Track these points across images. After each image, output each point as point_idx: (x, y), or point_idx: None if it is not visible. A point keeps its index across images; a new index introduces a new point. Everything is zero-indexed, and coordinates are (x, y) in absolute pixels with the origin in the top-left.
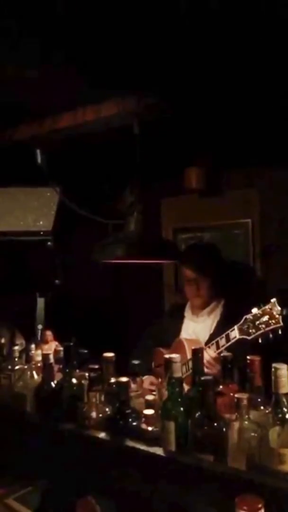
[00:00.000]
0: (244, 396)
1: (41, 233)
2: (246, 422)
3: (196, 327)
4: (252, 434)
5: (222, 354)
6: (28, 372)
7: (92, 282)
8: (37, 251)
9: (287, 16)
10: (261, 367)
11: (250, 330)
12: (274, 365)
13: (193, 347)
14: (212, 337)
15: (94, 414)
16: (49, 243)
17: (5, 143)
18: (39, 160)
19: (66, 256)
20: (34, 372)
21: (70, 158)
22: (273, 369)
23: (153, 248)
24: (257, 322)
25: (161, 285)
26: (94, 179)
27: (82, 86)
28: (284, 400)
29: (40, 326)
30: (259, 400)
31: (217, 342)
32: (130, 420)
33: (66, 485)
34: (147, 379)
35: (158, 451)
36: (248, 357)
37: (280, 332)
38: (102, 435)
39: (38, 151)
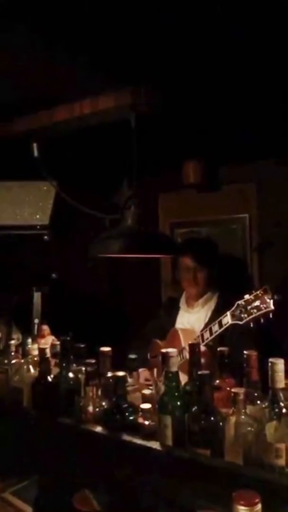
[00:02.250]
0: (241, 390)
1: (38, 227)
2: (242, 417)
3: (191, 318)
4: (249, 428)
5: (218, 349)
6: (25, 366)
7: (89, 276)
8: (34, 245)
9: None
10: (258, 362)
11: (242, 315)
12: (271, 359)
13: (190, 342)
14: (206, 327)
15: (90, 408)
16: (46, 237)
17: (1, 136)
18: (35, 153)
19: (63, 250)
20: (30, 366)
21: (67, 152)
22: (270, 364)
23: (151, 243)
24: (249, 307)
25: (158, 279)
26: (91, 173)
27: (79, 78)
28: (281, 394)
29: (36, 320)
30: (255, 394)
31: (210, 329)
32: (127, 414)
33: (63, 479)
34: (142, 373)
35: (155, 445)
36: (245, 352)
37: (271, 316)
38: (98, 429)
39: (34, 145)
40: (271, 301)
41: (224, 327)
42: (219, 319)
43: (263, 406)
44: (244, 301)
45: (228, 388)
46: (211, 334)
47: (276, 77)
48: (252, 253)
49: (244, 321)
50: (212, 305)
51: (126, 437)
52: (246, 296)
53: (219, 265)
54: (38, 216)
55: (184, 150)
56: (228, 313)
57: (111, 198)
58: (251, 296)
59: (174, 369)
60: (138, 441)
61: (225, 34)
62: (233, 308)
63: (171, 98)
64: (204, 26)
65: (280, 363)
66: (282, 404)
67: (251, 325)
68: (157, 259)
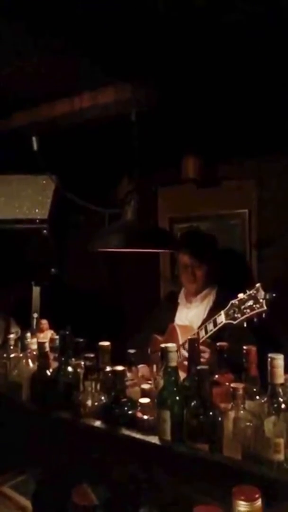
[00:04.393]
0: (239, 385)
1: (37, 221)
2: (241, 412)
3: (189, 314)
4: (248, 423)
5: (218, 344)
6: (24, 361)
7: (88, 271)
8: (33, 239)
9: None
10: (257, 357)
11: (236, 315)
12: (270, 355)
13: (189, 337)
14: (205, 323)
15: (89, 403)
16: (45, 231)
17: (1, 130)
18: (35, 147)
19: (62, 244)
20: (29, 361)
21: (66, 146)
22: (269, 359)
23: (150, 238)
24: (242, 307)
25: (157, 274)
26: (91, 167)
27: (79, 73)
28: (280, 390)
29: (35, 315)
30: (254, 390)
31: (206, 327)
32: (125, 408)
33: (62, 473)
34: (141, 370)
35: (153, 440)
36: (244, 347)
37: (264, 315)
38: (97, 423)
39: (34, 139)
40: (264, 301)
41: (218, 326)
42: (213, 318)
43: (262, 401)
44: (238, 301)
45: (227, 383)
46: (206, 332)
47: (276, 73)
48: (251, 249)
49: (238, 321)
50: (210, 301)
51: (125, 432)
52: (240, 295)
53: (219, 260)
54: (37, 210)
55: (184, 145)
56: (222, 312)
57: (111, 192)
58: (245, 296)
59: (173, 364)
60: (137, 435)
61: (225, 31)
62: (227, 307)
63: (171, 93)
64: (203, 23)
65: (279, 359)
66: (281, 400)
67: (245, 325)
68: (156, 254)
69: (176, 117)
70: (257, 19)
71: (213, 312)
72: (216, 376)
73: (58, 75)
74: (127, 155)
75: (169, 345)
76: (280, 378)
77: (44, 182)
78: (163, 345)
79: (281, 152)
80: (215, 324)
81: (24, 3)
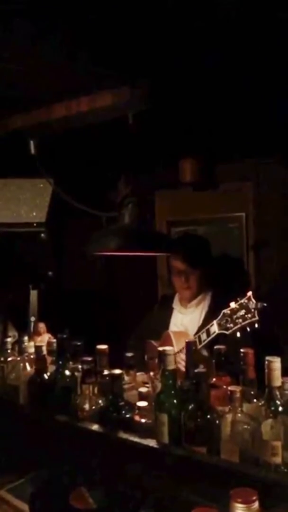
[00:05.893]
0: (237, 388)
1: (35, 224)
2: (239, 415)
3: (184, 319)
4: (245, 426)
5: (215, 347)
6: (21, 364)
7: (85, 274)
8: (31, 242)
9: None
10: (254, 360)
11: (228, 325)
12: (267, 358)
13: (186, 340)
14: (201, 329)
15: (87, 406)
16: (42, 235)
17: None
18: (32, 151)
19: (60, 248)
20: (27, 364)
21: (64, 149)
22: (266, 362)
23: (147, 241)
24: (234, 317)
25: (155, 277)
26: (88, 170)
27: (77, 75)
28: (277, 392)
29: (33, 318)
30: (252, 392)
31: (199, 337)
32: (123, 412)
33: (59, 476)
34: (140, 378)
35: (151, 443)
36: (241, 350)
37: (256, 325)
38: (95, 427)
39: (31, 142)
40: (255, 310)
41: (212, 336)
42: (206, 328)
43: (260, 404)
44: (230, 310)
45: (224, 386)
46: (200, 342)
47: (274, 75)
48: (249, 252)
49: (230, 331)
50: (206, 305)
51: (123, 435)
52: (232, 305)
53: (213, 264)
54: (34, 214)
55: (181, 148)
56: (215, 322)
57: (108, 195)
58: (236, 305)
59: (170, 367)
60: (135, 439)
61: (225, 31)
62: (219, 317)
63: (168, 95)
64: (203, 23)
65: (277, 361)
66: (278, 402)
67: (238, 335)
68: (154, 256)
69: (173, 119)
70: (255, 18)
71: (209, 318)
72: (214, 379)
73: (55, 78)
74: (124, 158)
75: (167, 348)
76: (277, 381)
77: (41, 185)
78: (160, 348)
79: (278, 155)
80: (208, 334)
81: (23, 3)
